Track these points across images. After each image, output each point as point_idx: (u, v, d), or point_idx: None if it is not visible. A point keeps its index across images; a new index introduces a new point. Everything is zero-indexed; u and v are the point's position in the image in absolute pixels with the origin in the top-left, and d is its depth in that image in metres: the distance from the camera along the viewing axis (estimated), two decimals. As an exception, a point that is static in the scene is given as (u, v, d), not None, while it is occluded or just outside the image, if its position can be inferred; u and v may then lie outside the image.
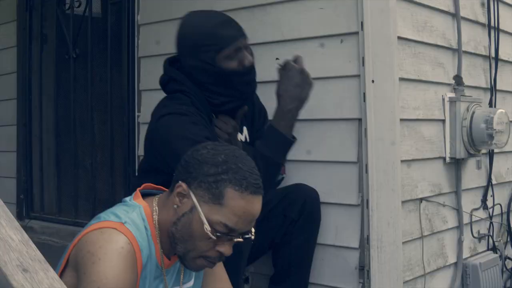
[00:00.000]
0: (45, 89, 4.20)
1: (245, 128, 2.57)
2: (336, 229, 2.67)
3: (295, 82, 2.37)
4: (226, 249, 1.75)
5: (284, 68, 2.41)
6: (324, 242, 2.68)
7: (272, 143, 2.32)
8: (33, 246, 1.42)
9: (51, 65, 4.15)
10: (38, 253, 1.41)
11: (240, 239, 1.75)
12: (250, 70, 2.41)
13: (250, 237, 1.76)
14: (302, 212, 2.55)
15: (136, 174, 2.90)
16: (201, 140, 2.08)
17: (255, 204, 1.74)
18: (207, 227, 1.70)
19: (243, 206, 1.71)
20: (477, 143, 2.98)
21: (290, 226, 2.55)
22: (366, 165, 2.60)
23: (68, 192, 4.03)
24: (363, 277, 2.62)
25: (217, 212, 1.71)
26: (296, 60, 2.43)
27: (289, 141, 2.36)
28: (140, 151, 3.41)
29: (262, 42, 2.86)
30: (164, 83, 2.48)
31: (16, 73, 4.29)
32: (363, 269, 2.62)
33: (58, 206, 4.10)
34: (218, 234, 1.71)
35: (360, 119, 2.64)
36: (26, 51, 4.24)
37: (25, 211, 4.24)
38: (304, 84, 2.39)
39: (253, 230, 1.77)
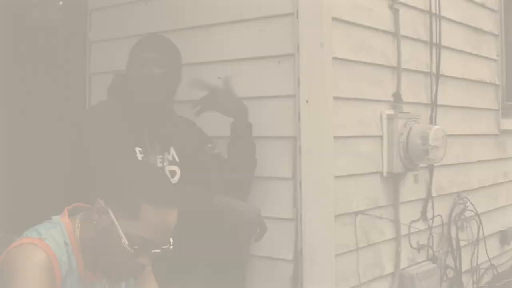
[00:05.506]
0: None
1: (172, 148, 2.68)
2: (272, 241, 2.78)
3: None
4: (145, 260, 1.87)
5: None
6: (260, 254, 2.80)
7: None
8: None
9: None
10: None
11: (158, 250, 1.87)
12: None
13: (168, 248, 1.89)
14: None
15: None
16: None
17: (170, 217, 1.86)
18: (124, 241, 1.82)
19: (158, 220, 1.83)
20: (414, 158, 3.11)
21: None
22: (300, 181, 2.72)
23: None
24: (297, 288, 2.74)
25: (134, 226, 1.82)
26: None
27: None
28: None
29: (205, 62, 2.99)
30: None
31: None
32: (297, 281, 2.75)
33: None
34: (136, 247, 1.83)
35: (295, 137, 2.76)
36: None
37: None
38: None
39: (171, 241, 1.89)
